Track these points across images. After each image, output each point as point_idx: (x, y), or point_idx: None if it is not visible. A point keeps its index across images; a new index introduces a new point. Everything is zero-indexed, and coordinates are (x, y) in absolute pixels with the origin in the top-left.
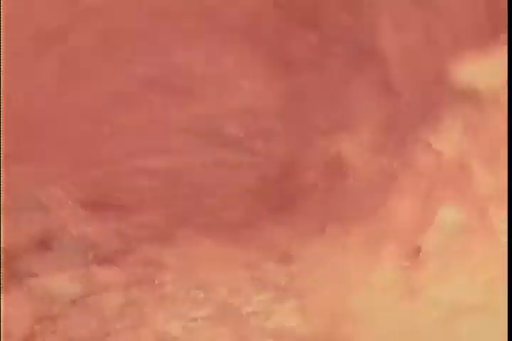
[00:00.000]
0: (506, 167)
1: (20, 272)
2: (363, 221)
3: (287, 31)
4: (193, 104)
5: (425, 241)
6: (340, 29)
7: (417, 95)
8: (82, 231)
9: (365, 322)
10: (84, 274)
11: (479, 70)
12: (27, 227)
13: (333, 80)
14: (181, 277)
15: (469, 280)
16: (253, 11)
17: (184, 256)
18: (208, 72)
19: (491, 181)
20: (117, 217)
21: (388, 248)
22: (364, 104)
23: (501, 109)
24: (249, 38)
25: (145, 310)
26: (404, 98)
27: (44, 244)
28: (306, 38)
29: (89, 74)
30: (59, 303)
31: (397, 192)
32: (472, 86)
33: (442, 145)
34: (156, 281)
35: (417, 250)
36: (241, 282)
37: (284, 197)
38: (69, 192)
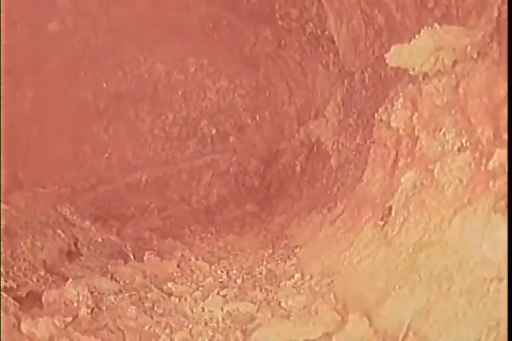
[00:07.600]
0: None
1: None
2: (344, 197)
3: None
4: (166, 111)
5: (395, 202)
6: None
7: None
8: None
9: (353, 269)
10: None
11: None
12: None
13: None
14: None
15: (425, 224)
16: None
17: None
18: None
19: (437, 146)
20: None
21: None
22: (324, 85)
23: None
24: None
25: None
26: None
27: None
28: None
29: (62, 96)
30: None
31: (369, 166)
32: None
33: (398, 122)
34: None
35: (389, 209)
36: None
37: (270, 186)
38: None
